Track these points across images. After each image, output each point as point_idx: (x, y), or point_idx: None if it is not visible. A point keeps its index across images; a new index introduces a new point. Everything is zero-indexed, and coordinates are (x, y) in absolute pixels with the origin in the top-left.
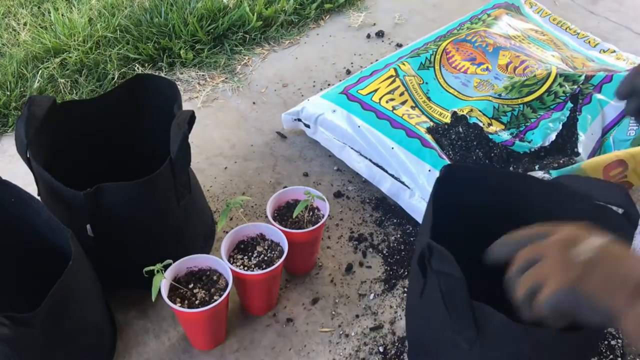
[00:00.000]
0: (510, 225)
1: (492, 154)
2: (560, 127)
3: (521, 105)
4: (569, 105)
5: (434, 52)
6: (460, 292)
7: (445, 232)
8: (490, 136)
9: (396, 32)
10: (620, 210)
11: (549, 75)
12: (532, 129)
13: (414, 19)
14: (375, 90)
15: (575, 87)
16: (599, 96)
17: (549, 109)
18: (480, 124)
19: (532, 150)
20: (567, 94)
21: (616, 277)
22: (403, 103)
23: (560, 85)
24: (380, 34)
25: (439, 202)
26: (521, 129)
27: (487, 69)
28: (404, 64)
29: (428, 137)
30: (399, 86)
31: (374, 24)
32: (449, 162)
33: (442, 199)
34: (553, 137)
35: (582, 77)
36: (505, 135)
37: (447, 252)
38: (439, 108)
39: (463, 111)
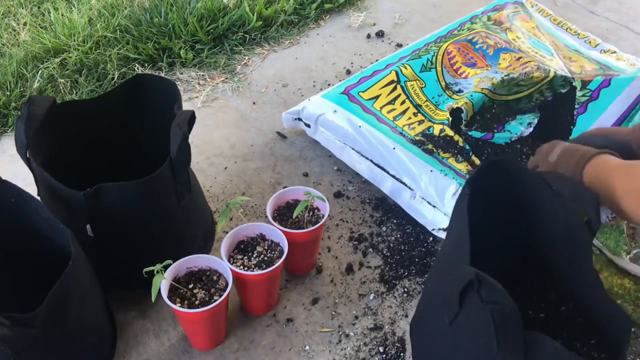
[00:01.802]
0: (523, 229)
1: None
2: (536, 120)
3: (502, 101)
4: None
5: (435, 54)
6: (514, 322)
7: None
8: (470, 132)
9: (396, 32)
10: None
11: (544, 79)
12: (508, 122)
13: (414, 19)
14: (377, 98)
15: (550, 94)
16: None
17: (520, 111)
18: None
19: (512, 139)
20: (539, 101)
21: (569, 163)
22: (404, 112)
23: (541, 93)
24: (380, 34)
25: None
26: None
27: (486, 70)
28: (405, 67)
29: (429, 147)
30: (399, 94)
31: (374, 24)
32: (448, 168)
33: (470, 215)
34: (530, 129)
35: (579, 83)
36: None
37: (497, 283)
38: (440, 112)
39: (458, 103)
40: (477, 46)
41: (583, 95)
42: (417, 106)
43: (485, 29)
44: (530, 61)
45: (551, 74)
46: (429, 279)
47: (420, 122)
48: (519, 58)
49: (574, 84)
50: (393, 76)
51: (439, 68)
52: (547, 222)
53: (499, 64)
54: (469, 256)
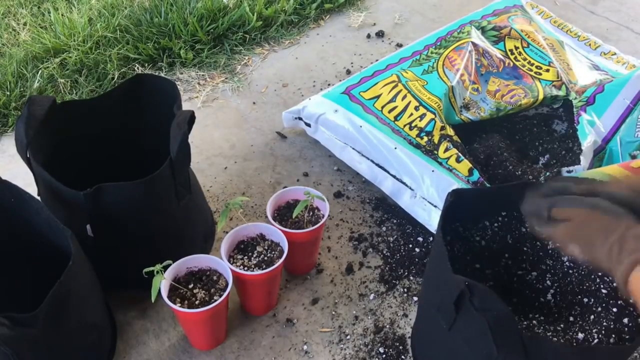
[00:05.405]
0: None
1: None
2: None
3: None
4: None
5: (437, 60)
6: (510, 325)
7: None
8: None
9: (396, 32)
10: None
11: (534, 103)
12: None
13: (414, 19)
14: (378, 97)
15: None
16: (586, 117)
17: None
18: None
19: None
20: None
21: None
22: (405, 108)
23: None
24: (380, 34)
25: (448, 232)
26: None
27: (477, 89)
28: (406, 72)
29: (429, 148)
30: (400, 90)
31: (374, 24)
32: (448, 170)
33: (451, 226)
34: None
35: (573, 94)
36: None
37: (489, 290)
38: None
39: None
40: (474, 58)
41: (579, 102)
42: (419, 100)
43: (482, 41)
44: (517, 89)
45: (540, 97)
46: (423, 285)
47: (422, 116)
48: (507, 85)
49: (569, 97)
50: (394, 78)
51: (440, 70)
52: None
53: (488, 86)
54: (448, 261)
